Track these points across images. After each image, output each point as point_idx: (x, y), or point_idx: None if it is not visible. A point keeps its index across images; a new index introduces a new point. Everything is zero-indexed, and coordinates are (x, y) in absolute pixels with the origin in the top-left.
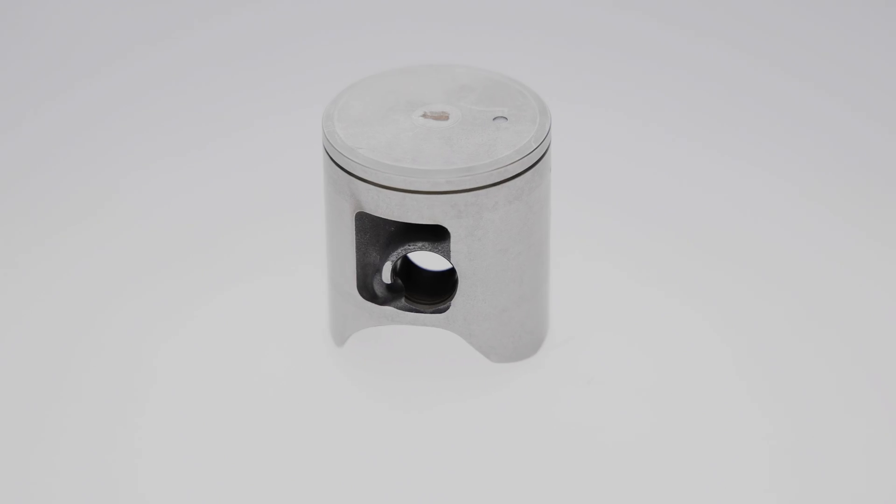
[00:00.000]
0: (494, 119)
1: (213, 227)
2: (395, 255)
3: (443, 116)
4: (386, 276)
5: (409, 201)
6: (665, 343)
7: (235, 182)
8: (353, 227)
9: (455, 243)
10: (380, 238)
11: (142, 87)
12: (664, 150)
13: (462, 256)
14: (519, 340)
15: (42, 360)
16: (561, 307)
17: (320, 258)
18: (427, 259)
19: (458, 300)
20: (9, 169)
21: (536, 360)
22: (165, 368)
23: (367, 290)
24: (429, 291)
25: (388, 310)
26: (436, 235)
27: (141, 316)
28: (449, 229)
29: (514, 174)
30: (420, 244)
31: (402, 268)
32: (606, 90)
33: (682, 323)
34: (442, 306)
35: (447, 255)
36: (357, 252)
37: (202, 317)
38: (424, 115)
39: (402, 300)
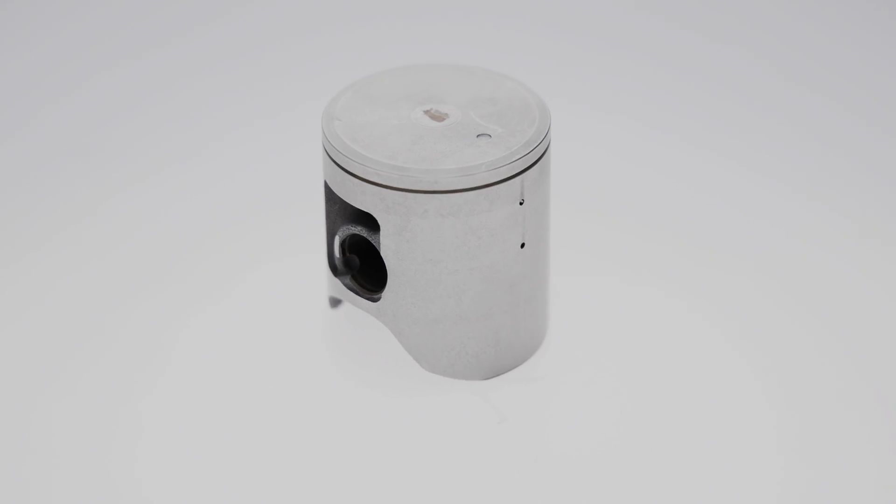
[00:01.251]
0: (478, 136)
1: (217, 225)
2: (342, 233)
3: (439, 117)
4: (335, 248)
5: (348, 182)
6: (662, 364)
7: (240, 179)
8: (324, 194)
9: (384, 237)
10: (346, 212)
11: (140, 88)
12: (666, 153)
13: (391, 252)
14: (458, 359)
15: (40, 359)
16: (559, 319)
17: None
18: None
19: (387, 295)
20: (12, 171)
21: (481, 386)
22: (166, 363)
23: (332, 258)
24: (376, 278)
25: (339, 283)
26: (376, 225)
27: (142, 315)
28: (379, 221)
29: (449, 189)
30: (359, 228)
31: (371, 248)
32: (611, 92)
33: (685, 338)
34: (375, 295)
35: (378, 247)
36: (327, 220)
37: (202, 313)
38: (425, 112)
39: (349, 278)
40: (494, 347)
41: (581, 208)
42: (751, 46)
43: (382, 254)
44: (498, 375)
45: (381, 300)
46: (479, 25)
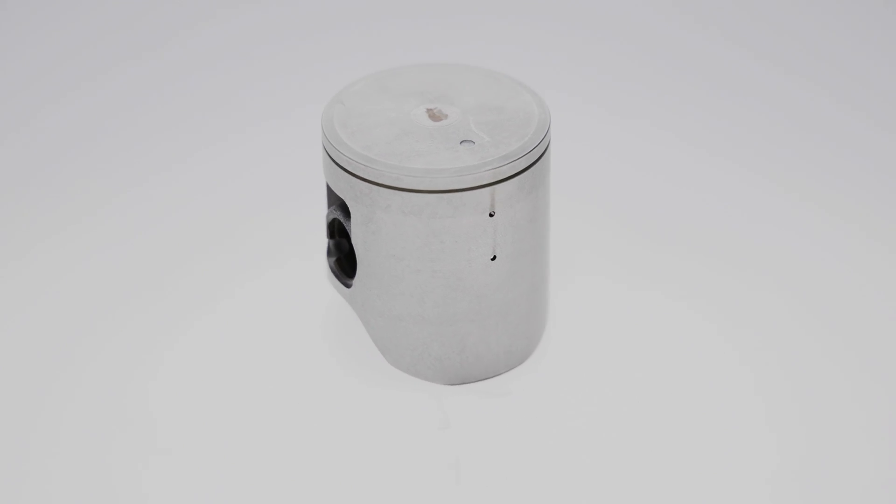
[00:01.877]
0: (461, 142)
1: (219, 226)
2: (328, 215)
3: (438, 118)
4: (326, 230)
5: (330, 166)
6: (660, 372)
7: (244, 180)
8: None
9: (354, 225)
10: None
11: (140, 90)
12: (667, 154)
13: (359, 241)
14: (421, 360)
15: (38, 363)
16: (553, 325)
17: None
18: None
19: (357, 283)
20: (13, 173)
21: (440, 390)
22: (171, 364)
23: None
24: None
25: (326, 266)
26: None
27: (144, 314)
28: (350, 208)
29: (411, 188)
30: (339, 213)
31: None
32: (615, 92)
33: (684, 344)
34: (349, 281)
35: (350, 233)
36: (328, 202)
37: (204, 315)
38: (427, 110)
39: (334, 261)
40: (459, 355)
41: (581, 208)
42: (752, 45)
43: (353, 242)
44: (465, 383)
45: (353, 288)
46: (484, 24)
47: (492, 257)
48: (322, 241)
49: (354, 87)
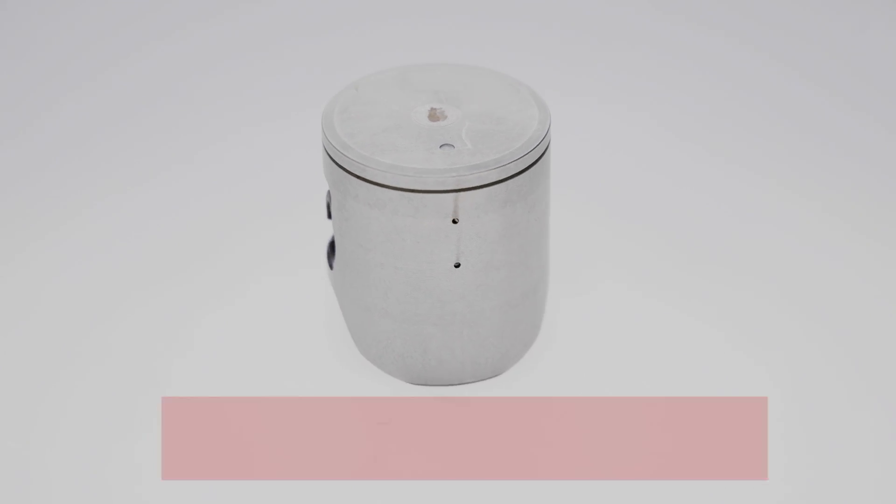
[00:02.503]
0: (442, 146)
1: (220, 227)
2: (326, 195)
3: (436, 118)
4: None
5: (324, 154)
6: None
7: (247, 180)
8: None
9: (334, 210)
10: None
11: (140, 91)
12: (667, 154)
13: (336, 225)
14: (385, 354)
15: (40, 359)
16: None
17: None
18: None
19: (335, 267)
20: (11, 173)
21: (407, 389)
22: (171, 362)
23: None
24: None
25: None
26: None
27: (147, 318)
28: (331, 192)
29: (375, 181)
30: (331, 198)
31: None
32: (616, 92)
33: (684, 346)
34: (333, 261)
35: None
36: None
37: (203, 317)
38: (430, 108)
39: (331, 241)
40: (422, 356)
41: (586, 212)
42: (756, 41)
43: (332, 225)
44: (426, 385)
45: (333, 272)
46: (486, 24)
47: (455, 264)
48: (324, 240)
49: (377, 76)
